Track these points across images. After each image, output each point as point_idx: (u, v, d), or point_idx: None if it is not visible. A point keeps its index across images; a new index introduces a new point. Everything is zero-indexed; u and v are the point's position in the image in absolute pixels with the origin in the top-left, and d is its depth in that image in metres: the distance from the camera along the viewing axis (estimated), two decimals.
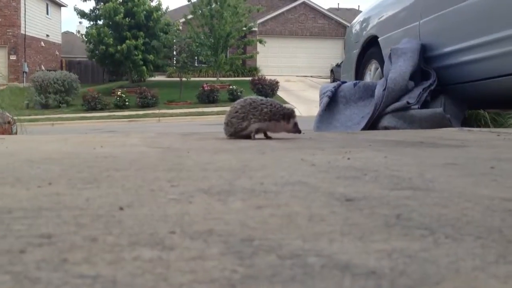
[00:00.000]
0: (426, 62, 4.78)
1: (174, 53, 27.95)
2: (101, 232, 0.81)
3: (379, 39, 5.78)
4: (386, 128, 4.42)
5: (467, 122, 5.42)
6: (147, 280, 0.59)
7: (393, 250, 0.70)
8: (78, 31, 32.35)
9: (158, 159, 1.92)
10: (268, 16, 35.06)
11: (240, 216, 0.91)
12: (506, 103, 4.94)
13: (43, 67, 29.90)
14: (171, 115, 19.85)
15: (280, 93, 24.04)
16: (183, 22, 29.75)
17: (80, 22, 39.25)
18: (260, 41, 28.94)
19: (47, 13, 33.29)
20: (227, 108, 3.20)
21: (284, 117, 2.88)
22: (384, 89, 4.52)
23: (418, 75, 4.65)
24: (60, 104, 23.35)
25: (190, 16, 28.02)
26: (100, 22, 28.80)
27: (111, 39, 27.11)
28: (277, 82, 23.90)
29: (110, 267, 0.64)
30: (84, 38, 28.53)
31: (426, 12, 4.88)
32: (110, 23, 27.68)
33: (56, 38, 34.74)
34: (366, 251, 0.70)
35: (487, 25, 4.04)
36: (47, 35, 33.00)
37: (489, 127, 5.65)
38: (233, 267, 0.63)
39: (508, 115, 6.58)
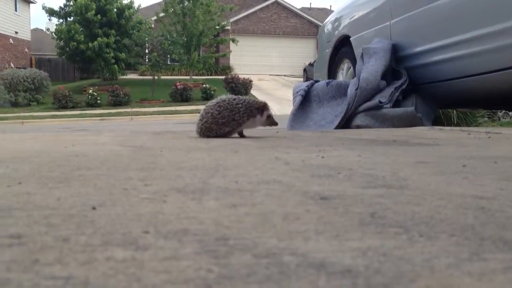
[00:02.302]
0: (398, 61, 4.84)
1: (146, 51, 27.71)
2: (73, 232, 0.79)
3: (351, 39, 5.83)
4: (358, 126, 4.46)
5: (438, 121, 5.51)
6: (120, 280, 0.58)
7: (368, 248, 0.70)
8: (48, 29, 31.69)
9: (130, 158, 1.90)
10: (241, 15, 35.05)
11: (214, 215, 0.91)
12: (475, 102, 5.04)
13: (12, 65, 29.27)
14: (144, 113, 19.67)
15: (253, 91, 24.06)
16: (155, 20, 29.51)
17: (50, 19, 38.49)
18: (233, 40, 28.90)
19: (16, 10, 32.56)
20: (201, 107, 3.23)
21: (258, 111, 2.90)
22: (357, 88, 4.56)
23: (389, 74, 4.71)
24: (30, 102, 22.93)
25: (162, 14, 27.80)
26: (70, 19, 28.38)
27: (82, 35, 26.74)
28: (250, 81, 23.92)
29: (83, 268, 0.62)
30: (54, 35, 28.05)
31: (397, 13, 4.94)
32: (81, 20, 27.30)
33: (25, 35, 34.02)
34: (341, 250, 0.70)
35: (456, 26, 4.11)
36: (16, 32, 32.29)
37: (459, 126, 5.75)
38: (208, 267, 0.63)
39: (477, 114, 6.71)
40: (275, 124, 2.99)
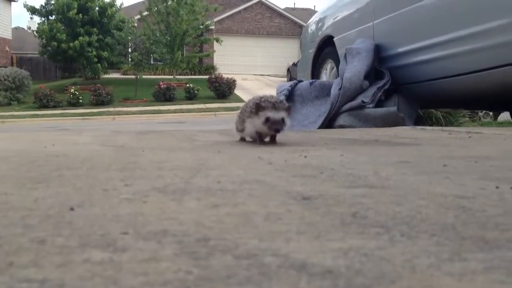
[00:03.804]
0: (380, 62, 4.87)
1: (129, 50, 27.53)
2: (50, 233, 0.77)
3: (334, 39, 5.85)
4: (342, 126, 4.47)
5: (420, 121, 5.56)
6: (97, 283, 0.57)
7: (349, 248, 0.70)
8: (29, 27, 31.33)
9: (111, 158, 1.87)
10: (225, 15, 35.00)
11: (195, 216, 0.89)
12: (457, 102, 5.09)
13: None
14: (127, 113, 19.53)
15: (237, 91, 24.04)
16: (138, 19, 29.35)
17: (31, 18, 38.05)
18: (217, 40, 28.86)
19: None
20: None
21: (253, 110, 2.28)
22: (340, 88, 4.57)
23: (372, 74, 4.73)
24: (11, 102, 22.63)
25: (145, 13, 27.67)
26: (52, 18, 28.09)
27: (64, 35, 26.47)
28: (234, 81, 23.88)
29: (58, 270, 0.61)
30: (36, 34, 27.75)
31: (380, 13, 4.97)
32: (63, 19, 27.03)
33: (6, 34, 33.55)
34: (322, 250, 0.69)
35: (437, 27, 4.14)
36: None
37: (441, 125, 5.80)
38: (187, 268, 0.62)
39: (459, 114, 6.78)
40: (272, 130, 2.24)
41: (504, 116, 10.73)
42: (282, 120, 2.23)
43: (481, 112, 11.61)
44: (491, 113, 12.41)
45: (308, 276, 0.59)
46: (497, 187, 1.16)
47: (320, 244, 0.72)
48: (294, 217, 0.89)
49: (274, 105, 2.23)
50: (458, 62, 3.94)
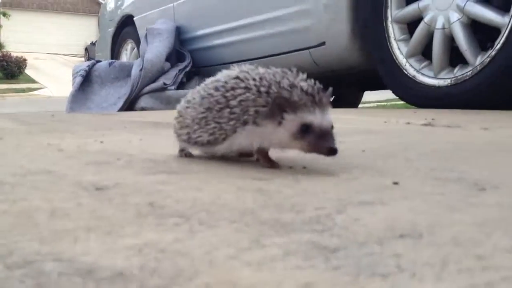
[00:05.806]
0: (182, 44, 4.87)
1: None
2: None
3: (134, 19, 5.71)
4: (143, 109, 4.39)
5: None
6: None
7: (144, 244, 0.63)
8: None
9: None
10: None
11: None
12: None
13: None
14: None
15: (28, 71, 22.25)
16: None
17: None
18: (4, 14, 26.26)
19: None
20: None
21: (276, 109, 1.08)
22: (141, 69, 4.48)
23: (174, 56, 4.73)
24: None
25: None
26: None
27: None
28: (24, 60, 22.04)
29: None
30: None
31: None
32: None
33: None
34: (114, 249, 0.62)
35: (231, 12, 4.28)
36: None
37: None
38: None
39: None
40: (331, 151, 1.05)
41: None
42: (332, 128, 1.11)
43: None
44: None
45: (95, 282, 0.52)
46: (290, 167, 1.19)
47: (112, 242, 0.65)
48: (83, 212, 0.79)
49: (314, 97, 1.08)
50: (252, 47, 4.12)
